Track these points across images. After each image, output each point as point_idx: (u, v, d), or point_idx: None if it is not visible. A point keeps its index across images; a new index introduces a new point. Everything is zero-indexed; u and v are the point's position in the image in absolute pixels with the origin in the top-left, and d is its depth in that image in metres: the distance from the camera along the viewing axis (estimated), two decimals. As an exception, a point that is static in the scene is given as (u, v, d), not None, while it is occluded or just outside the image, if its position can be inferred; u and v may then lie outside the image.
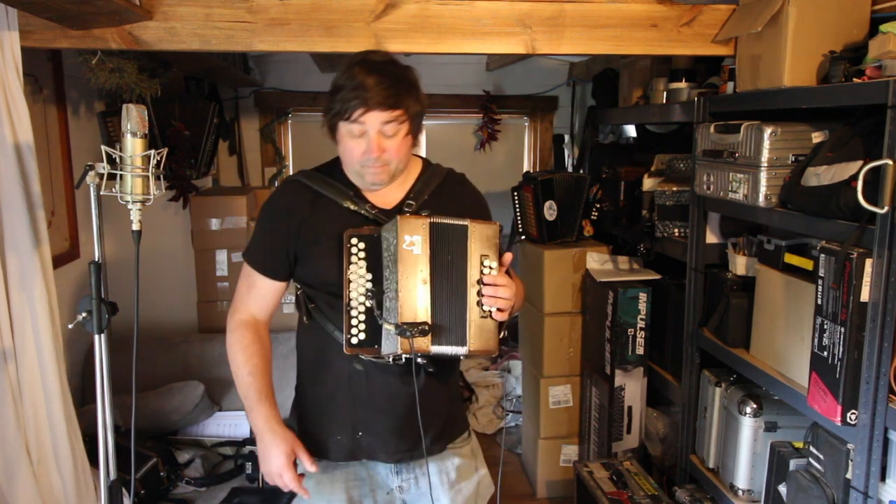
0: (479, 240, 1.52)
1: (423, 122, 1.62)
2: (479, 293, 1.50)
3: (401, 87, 1.51)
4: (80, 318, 1.62)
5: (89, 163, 1.59)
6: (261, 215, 1.67)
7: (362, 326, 1.50)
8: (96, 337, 1.64)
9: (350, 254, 1.51)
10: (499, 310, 1.51)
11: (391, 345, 1.48)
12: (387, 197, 1.63)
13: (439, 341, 1.49)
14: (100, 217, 1.64)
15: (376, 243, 1.51)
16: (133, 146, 1.59)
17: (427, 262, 1.48)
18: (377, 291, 1.50)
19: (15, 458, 2.08)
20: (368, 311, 1.51)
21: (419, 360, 1.52)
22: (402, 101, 1.51)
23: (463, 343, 1.50)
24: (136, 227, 1.63)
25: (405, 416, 1.60)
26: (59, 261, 2.65)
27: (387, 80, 1.49)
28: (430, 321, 1.47)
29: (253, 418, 1.61)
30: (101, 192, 1.61)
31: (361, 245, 1.51)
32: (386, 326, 1.47)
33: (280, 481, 1.57)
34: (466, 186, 1.76)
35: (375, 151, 1.51)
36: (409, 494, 1.70)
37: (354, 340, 1.51)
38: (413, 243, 1.48)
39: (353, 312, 1.50)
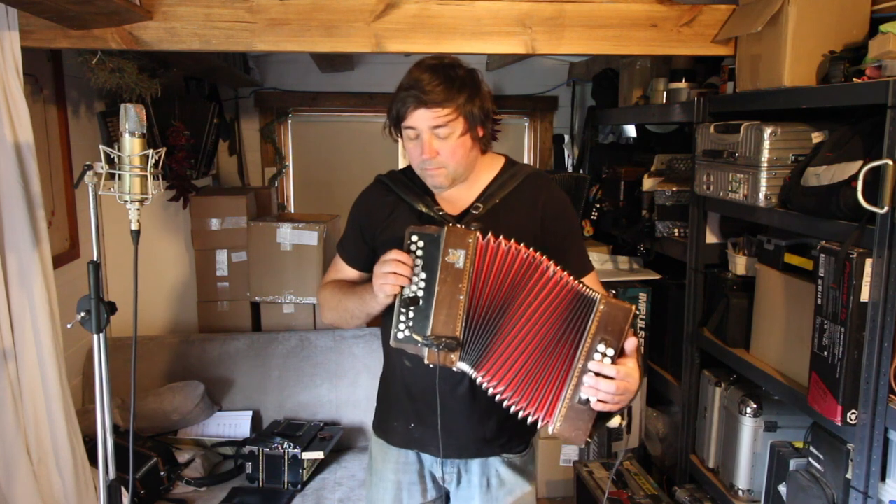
0: (602, 319, 1.39)
1: None
2: (581, 377, 1.39)
3: (451, 85, 1.51)
4: (78, 317, 1.62)
5: (88, 162, 1.59)
6: (350, 211, 1.76)
7: (410, 323, 1.49)
8: (95, 337, 1.64)
9: (409, 250, 1.50)
10: (599, 401, 1.39)
11: (420, 351, 1.48)
12: (458, 200, 1.64)
13: (466, 359, 1.47)
14: (98, 217, 1.64)
15: (435, 243, 1.48)
16: (131, 146, 1.59)
17: (468, 278, 1.44)
18: (422, 293, 1.48)
19: (15, 458, 2.09)
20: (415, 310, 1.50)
21: (454, 369, 1.49)
22: (452, 99, 1.50)
23: (544, 412, 1.43)
24: (134, 226, 1.63)
25: (453, 416, 1.62)
26: (59, 260, 2.65)
27: (438, 78, 1.50)
28: (458, 336, 1.45)
29: (360, 297, 1.61)
30: (100, 192, 1.61)
31: (421, 243, 1.49)
32: (415, 336, 1.46)
33: (390, 264, 1.48)
34: (546, 190, 1.66)
35: (427, 153, 1.53)
36: (451, 486, 1.77)
37: (400, 336, 1.49)
38: (456, 256, 1.45)
39: (403, 308, 1.49)
